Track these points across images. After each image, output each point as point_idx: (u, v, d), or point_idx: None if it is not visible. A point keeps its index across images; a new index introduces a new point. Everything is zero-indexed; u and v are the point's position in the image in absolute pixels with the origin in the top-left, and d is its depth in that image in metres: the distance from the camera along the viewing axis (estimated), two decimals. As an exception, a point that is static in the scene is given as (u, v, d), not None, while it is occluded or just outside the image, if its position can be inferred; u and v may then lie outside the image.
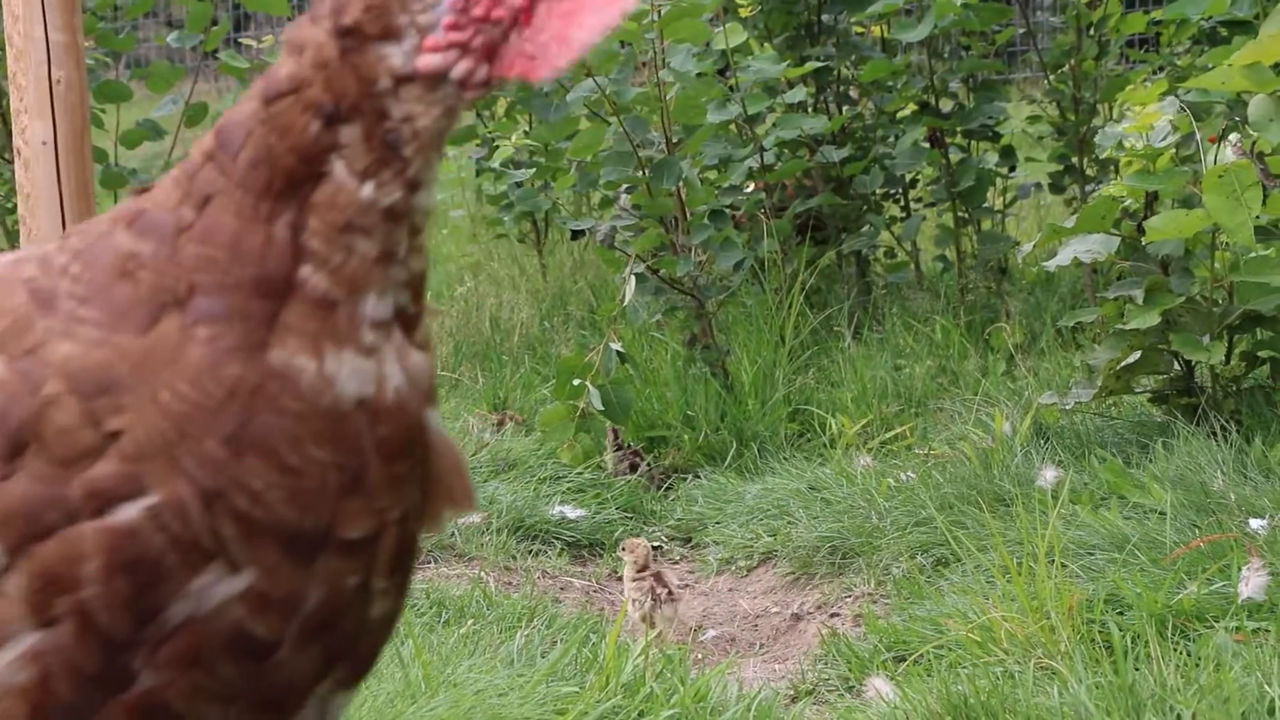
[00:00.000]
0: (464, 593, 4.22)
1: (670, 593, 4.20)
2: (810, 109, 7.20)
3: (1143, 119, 4.43)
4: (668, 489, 5.41)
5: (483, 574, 4.50)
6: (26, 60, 4.78)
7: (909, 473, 4.82)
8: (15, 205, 5.03)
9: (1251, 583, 3.38)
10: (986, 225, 7.19)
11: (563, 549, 4.88)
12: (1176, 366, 4.74)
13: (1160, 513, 3.95)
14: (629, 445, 5.48)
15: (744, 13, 6.96)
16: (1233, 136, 4.34)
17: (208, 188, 1.44)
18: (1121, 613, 3.46)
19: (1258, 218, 4.22)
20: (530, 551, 4.82)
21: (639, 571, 4.23)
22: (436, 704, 3.11)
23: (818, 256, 6.71)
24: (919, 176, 7.46)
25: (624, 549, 4.35)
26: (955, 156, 7.08)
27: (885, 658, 3.68)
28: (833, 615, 4.25)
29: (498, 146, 6.51)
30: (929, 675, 3.39)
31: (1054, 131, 7.37)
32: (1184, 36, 6.72)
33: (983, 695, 3.08)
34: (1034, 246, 4.91)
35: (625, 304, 5.55)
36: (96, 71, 7.40)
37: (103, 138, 7.22)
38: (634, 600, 4.21)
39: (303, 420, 1.41)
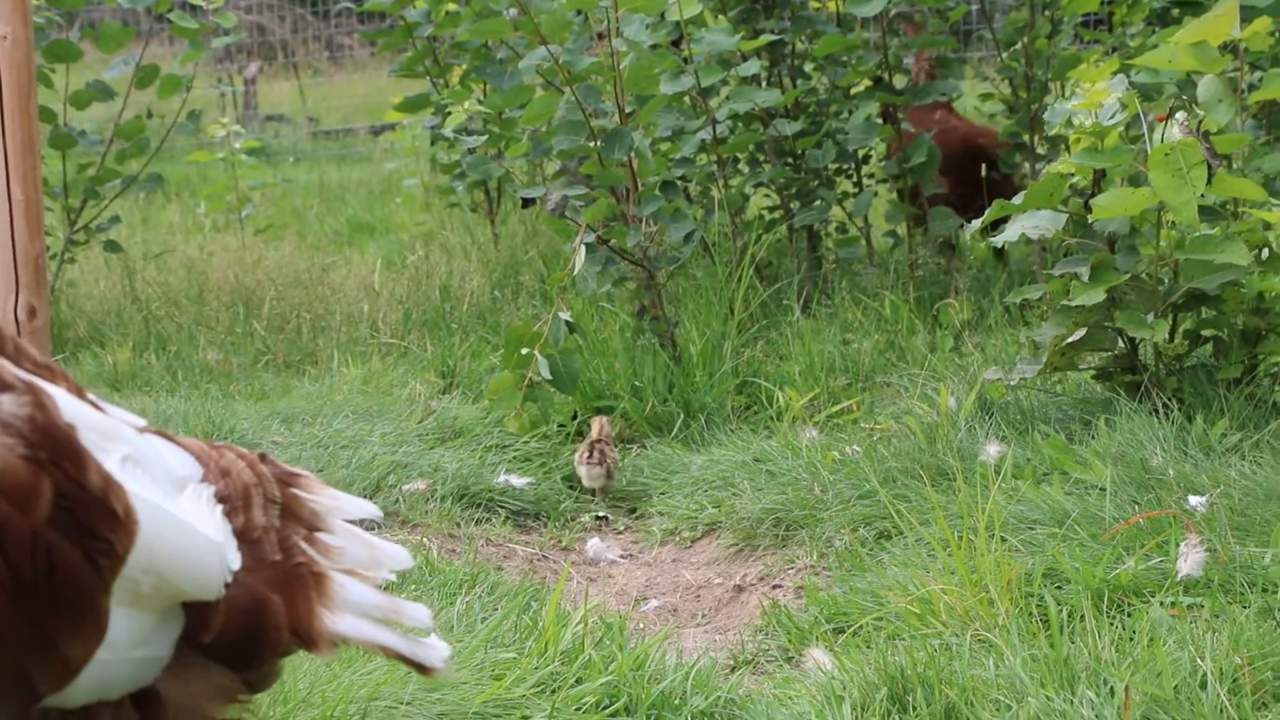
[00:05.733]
0: (406, 559, 4.19)
1: (591, 454, 5.06)
2: (764, 82, 7.20)
3: (1091, 96, 4.45)
4: (614, 459, 5.40)
5: (425, 540, 4.48)
6: (-29, 16, 4.73)
7: (854, 446, 4.84)
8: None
9: (1189, 559, 3.41)
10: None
11: (507, 517, 4.87)
12: (1121, 344, 4.77)
13: (1101, 489, 3.97)
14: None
15: (699, -16, 6.94)
16: (1180, 115, 4.36)
17: None
18: (1060, 587, 3.48)
19: (1202, 196, 4.25)
20: (474, 519, 4.81)
21: (594, 441, 5.11)
22: (372, 667, 3.10)
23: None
24: (871, 152, 7.48)
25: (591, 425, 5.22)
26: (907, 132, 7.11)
27: (825, 629, 3.69)
28: (775, 587, 4.26)
29: (449, 113, 6.47)
30: (867, 647, 3.40)
31: (1006, 109, 7.39)
32: (1137, 18, 6.74)
33: (919, 667, 3.08)
34: (982, 222, 4.92)
35: (575, 273, 5.54)
36: (47, 30, 7.35)
37: (53, 98, 7.17)
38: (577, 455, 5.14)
39: None
